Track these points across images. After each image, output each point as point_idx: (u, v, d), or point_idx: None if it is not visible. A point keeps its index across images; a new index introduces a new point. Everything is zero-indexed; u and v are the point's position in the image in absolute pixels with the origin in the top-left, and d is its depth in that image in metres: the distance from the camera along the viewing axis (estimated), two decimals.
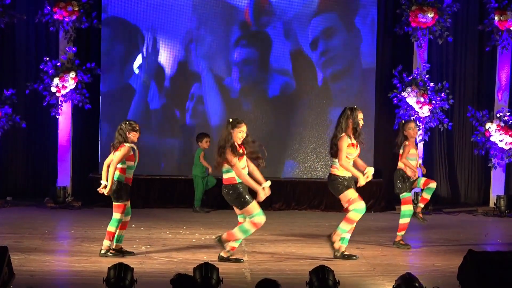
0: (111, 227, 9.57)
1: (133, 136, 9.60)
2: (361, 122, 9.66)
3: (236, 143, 9.15)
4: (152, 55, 14.51)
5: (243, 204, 9.18)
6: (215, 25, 14.55)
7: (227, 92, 14.59)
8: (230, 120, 9.30)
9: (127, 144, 9.51)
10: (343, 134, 9.61)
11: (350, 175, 9.66)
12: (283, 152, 14.60)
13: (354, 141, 9.65)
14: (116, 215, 9.56)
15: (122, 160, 9.49)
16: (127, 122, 9.67)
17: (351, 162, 9.67)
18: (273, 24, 14.58)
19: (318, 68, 14.64)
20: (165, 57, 14.54)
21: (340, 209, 13.92)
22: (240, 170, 9.14)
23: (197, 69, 14.59)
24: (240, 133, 9.18)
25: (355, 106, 9.81)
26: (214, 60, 14.57)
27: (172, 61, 14.54)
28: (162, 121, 14.59)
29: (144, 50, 14.51)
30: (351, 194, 9.63)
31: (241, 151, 9.19)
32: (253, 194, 9.27)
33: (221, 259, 9.32)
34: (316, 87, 14.66)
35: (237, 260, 9.36)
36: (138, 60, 14.54)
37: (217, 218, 13.03)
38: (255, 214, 9.20)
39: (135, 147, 9.60)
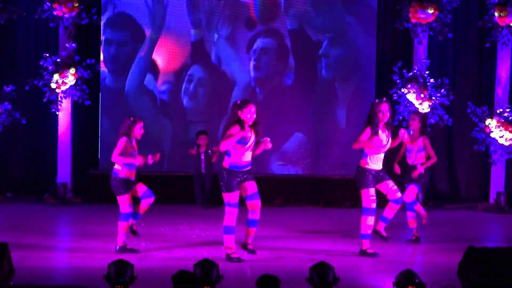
0: (121, 222, 9.61)
1: (137, 133, 9.63)
2: (381, 115, 9.65)
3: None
4: (152, 50, 14.51)
5: (224, 188, 9.20)
6: (217, 18, 14.54)
7: (228, 89, 14.58)
8: (238, 102, 9.24)
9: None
10: (367, 127, 9.68)
11: (379, 168, 9.74)
12: (283, 149, 14.59)
13: (381, 133, 9.68)
14: (123, 209, 9.59)
15: (120, 153, 9.50)
16: (132, 118, 9.67)
17: (380, 154, 9.75)
18: (273, 19, 14.58)
19: (318, 64, 14.63)
20: (165, 52, 14.53)
21: (340, 205, 14.02)
22: (230, 139, 9.04)
23: (197, 63, 14.58)
24: (248, 114, 9.11)
25: (378, 100, 9.86)
26: (215, 55, 14.58)
27: (173, 56, 14.54)
28: (162, 117, 14.58)
29: (144, 45, 14.51)
30: (372, 192, 9.71)
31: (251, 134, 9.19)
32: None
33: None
34: (316, 83, 14.65)
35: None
36: (138, 55, 14.54)
37: (217, 214, 13.02)
38: (232, 203, 9.19)
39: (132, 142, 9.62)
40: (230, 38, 14.55)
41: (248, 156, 9.20)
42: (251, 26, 14.57)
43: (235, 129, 9.04)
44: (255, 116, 9.12)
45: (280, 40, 14.61)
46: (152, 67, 14.54)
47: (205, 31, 14.52)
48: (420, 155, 10.80)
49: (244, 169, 9.21)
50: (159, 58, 14.53)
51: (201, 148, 13.86)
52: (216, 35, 14.53)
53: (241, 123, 9.07)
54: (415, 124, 10.80)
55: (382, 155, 9.80)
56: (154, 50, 14.50)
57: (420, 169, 10.68)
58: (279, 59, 14.64)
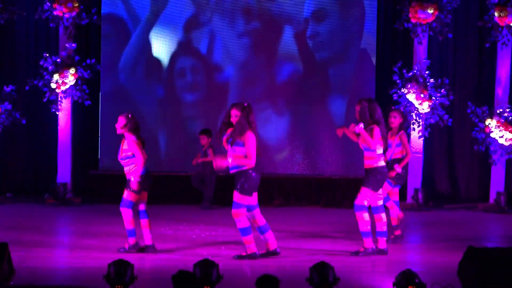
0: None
1: None
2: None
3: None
4: (152, 49, 14.52)
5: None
6: (215, 14, 14.55)
7: (226, 86, 14.59)
8: None
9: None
10: None
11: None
12: (283, 148, 14.60)
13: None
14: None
15: None
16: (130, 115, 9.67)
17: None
18: (270, 17, 14.59)
19: (317, 65, 14.64)
20: (165, 50, 14.53)
21: (340, 205, 14.02)
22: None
23: (196, 61, 14.58)
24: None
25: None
26: (213, 52, 14.58)
27: (172, 53, 14.54)
28: (161, 117, 14.57)
29: (144, 44, 14.51)
30: None
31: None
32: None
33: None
34: (315, 84, 14.65)
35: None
36: (138, 56, 14.54)
37: (217, 214, 13.05)
38: None
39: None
40: (227, 29, 14.55)
41: (231, 159, 9.25)
42: (247, 15, 14.59)
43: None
44: (233, 118, 9.21)
45: (279, 39, 14.60)
46: (152, 65, 14.55)
47: (201, 25, 14.54)
48: (397, 150, 10.77)
49: (230, 171, 9.29)
50: (159, 55, 14.54)
51: (202, 147, 13.79)
52: (210, 27, 14.55)
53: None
54: (397, 121, 10.80)
55: (365, 153, 9.75)
56: (154, 48, 14.51)
57: (397, 169, 10.62)
58: (278, 59, 14.64)
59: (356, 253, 9.61)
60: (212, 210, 13.44)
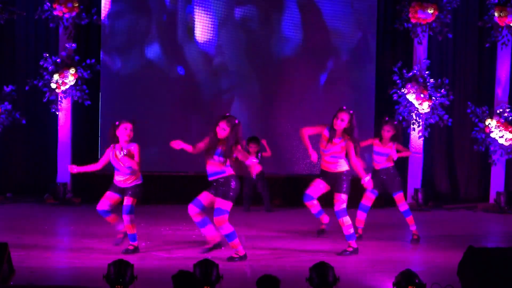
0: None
1: (121, 135, 9.72)
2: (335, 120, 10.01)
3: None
4: (152, 48, 14.51)
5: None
6: (217, 11, 14.56)
7: (227, 85, 14.59)
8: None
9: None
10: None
11: (326, 170, 10.18)
12: (282, 149, 14.59)
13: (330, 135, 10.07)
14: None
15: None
16: (117, 122, 9.71)
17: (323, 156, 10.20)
18: (270, 8, 14.60)
19: (316, 65, 14.64)
20: (165, 49, 14.53)
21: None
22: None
23: (197, 60, 14.57)
24: None
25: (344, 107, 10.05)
26: (213, 51, 14.59)
27: (172, 53, 14.54)
28: (161, 116, 14.56)
29: (144, 45, 14.51)
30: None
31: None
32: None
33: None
34: (315, 86, 14.65)
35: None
36: (138, 55, 14.54)
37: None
38: None
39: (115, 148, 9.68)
40: (229, 26, 14.57)
41: (209, 166, 9.33)
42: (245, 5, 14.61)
43: None
44: (219, 129, 9.21)
45: (279, 39, 14.61)
46: (153, 65, 14.56)
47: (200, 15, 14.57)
48: (389, 159, 10.83)
49: (209, 178, 9.38)
50: (160, 54, 14.55)
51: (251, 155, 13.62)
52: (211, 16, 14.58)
53: None
54: (390, 134, 10.79)
55: (326, 158, 10.07)
56: (154, 47, 14.52)
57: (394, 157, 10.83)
58: (278, 59, 14.65)
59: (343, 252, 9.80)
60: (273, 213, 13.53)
